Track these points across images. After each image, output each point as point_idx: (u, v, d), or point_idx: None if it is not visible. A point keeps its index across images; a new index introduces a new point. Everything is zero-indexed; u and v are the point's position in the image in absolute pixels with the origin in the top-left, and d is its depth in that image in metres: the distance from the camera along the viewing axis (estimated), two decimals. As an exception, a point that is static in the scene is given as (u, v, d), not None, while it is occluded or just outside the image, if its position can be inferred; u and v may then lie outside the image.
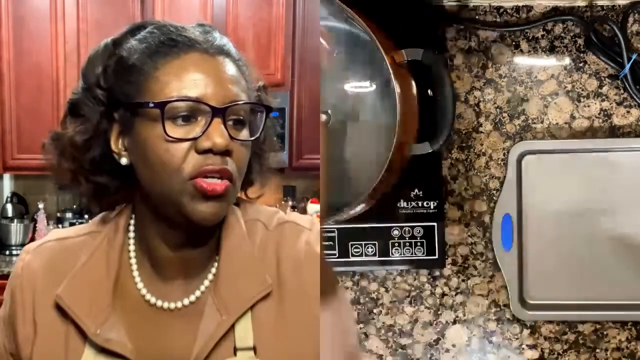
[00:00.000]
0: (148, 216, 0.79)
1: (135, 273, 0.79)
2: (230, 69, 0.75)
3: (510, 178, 1.27)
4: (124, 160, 0.77)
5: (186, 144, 0.72)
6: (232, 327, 0.75)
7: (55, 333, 0.78)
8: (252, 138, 0.76)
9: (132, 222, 0.82)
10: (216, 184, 0.72)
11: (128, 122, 0.75)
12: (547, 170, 1.27)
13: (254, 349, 0.75)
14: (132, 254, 0.80)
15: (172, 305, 0.78)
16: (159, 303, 0.78)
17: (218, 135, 0.72)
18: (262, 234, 0.80)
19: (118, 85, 0.75)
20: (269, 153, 0.83)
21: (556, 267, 1.28)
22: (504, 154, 1.29)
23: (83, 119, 0.77)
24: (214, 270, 0.79)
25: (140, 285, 0.79)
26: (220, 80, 0.73)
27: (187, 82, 0.72)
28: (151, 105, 0.72)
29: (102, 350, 0.76)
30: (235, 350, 0.75)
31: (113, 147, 0.77)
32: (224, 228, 0.79)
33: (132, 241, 0.81)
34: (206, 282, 0.79)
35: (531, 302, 1.28)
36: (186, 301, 0.78)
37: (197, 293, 0.78)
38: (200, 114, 0.73)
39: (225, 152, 0.72)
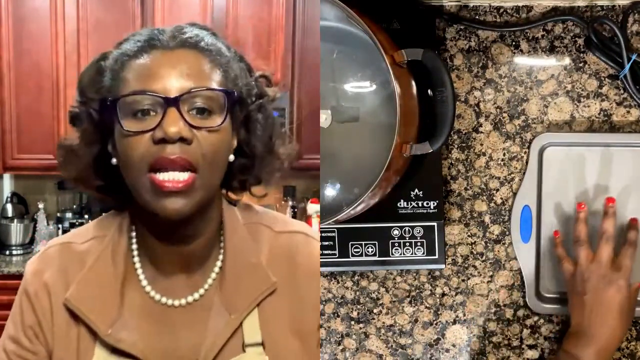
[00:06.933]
0: (139, 214, 0.81)
1: (140, 271, 0.81)
2: (191, 60, 0.75)
3: (532, 169, 1.26)
4: (113, 161, 0.78)
5: (145, 137, 0.72)
6: (240, 324, 0.77)
7: (67, 335, 0.79)
8: (216, 125, 0.74)
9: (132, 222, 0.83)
10: (175, 181, 0.72)
11: (110, 124, 0.77)
12: (568, 162, 1.26)
13: (262, 344, 0.77)
14: (135, 253, 0.81)
15: (177, 302, 0.79)
16: (164, 300, 0.80)
17: (171, 124, 0.71)
18: (269, 237, 0.82)
19: (98, 91, 0.77)
20: (277, 150, 0.84)
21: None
22: (504, 154, 1.29)
23: (80, 128, 0.80)
24: (216, 269, 0.80)
25: (144, 283, 0.80)
26: (177, 72, 0.74)
27: (143, 77, 0.73)
28: (108, 102, 0.74)
29: (112, 351, 0.77)
30: (244, 346, 0.77)
31: (109, 148, 0.79)
32: (225, 229, 0.81)
33: (134, 240, 0.82)
34: (209, 281, 0.80)
35: (547, 295, 1.28)
36: (190, 298, 0.79)
37: (201, 291, 0.80)
38: (158, 107, 0.73)
39: (182, 140, 0.72)
